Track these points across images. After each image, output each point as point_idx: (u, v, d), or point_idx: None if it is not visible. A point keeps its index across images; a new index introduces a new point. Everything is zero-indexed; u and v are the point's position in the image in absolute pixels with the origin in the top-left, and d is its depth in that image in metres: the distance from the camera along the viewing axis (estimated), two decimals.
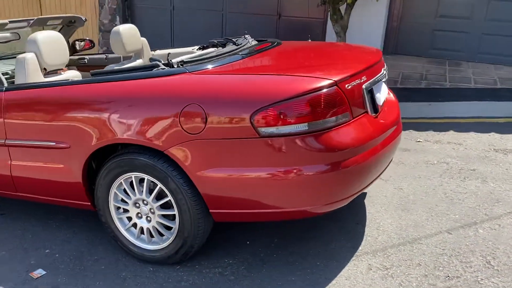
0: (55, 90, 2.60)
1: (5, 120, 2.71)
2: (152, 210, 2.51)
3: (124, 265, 2.63)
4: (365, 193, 3.36)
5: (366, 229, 2.88)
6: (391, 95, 3.10)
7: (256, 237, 2.85)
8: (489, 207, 3.10)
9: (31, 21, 3.79)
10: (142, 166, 2.40)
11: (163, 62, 2.58)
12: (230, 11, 7.68)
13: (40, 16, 3.88)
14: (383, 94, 2.77)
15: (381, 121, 2.61)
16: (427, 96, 5.99)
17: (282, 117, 2.16)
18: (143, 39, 3.88)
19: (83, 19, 4.22)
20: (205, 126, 2.22)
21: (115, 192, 2.57)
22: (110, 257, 2.70)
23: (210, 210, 2.38)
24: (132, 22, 8.33)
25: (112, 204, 2.60)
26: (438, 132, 4.65)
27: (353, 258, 2.60)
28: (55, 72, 3.21)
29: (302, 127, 2.18)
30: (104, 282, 2.48)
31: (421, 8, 6.96)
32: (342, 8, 6.09)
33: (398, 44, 7.24)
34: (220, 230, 2.84)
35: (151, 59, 2.70)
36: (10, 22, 3.58)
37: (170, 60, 2.57)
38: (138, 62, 3.55)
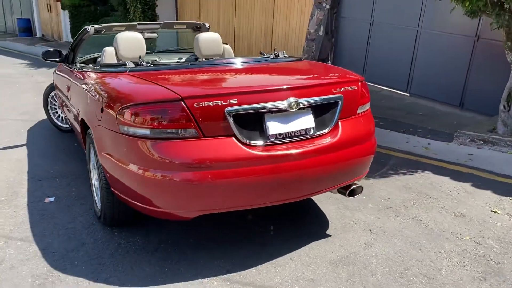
0: (79, 73, 3.55)
1: (71, 91, 3.84)
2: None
3: (88, 215, 3.35)
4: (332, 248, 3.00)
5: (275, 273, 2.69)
6: (336, 136, 2.68)
7: (198, 232, 3.06)
8: None
9: (162, 24, 4.90)
10: (92, 140, 3.07)
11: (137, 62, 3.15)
12: (426, 29, 7.05)
13: (167, 21, 4.93)
14: (294, 125, 2.53)
15: (265, 152, 2.43)
16: None
17: (130, 119, 2.43)
18: (227, 46, 4.44)
19: (207, 26, 5.06)
20: (101, 115, 2.70)
21: (92, 157, 3.33)
22: (91, 205, 3.49)
23: (111, 188, 2.83)
24: (336, 33, 8.72)
25: (91, 165, 3.37)
26: None
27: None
28: None
29: (145, 131, 2.39)
30: (63, 217, 3.28)
31: None
32: None
33: None
34: None
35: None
36: (139, 24, 4.76)
37: (141, 61, 3.11)
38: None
